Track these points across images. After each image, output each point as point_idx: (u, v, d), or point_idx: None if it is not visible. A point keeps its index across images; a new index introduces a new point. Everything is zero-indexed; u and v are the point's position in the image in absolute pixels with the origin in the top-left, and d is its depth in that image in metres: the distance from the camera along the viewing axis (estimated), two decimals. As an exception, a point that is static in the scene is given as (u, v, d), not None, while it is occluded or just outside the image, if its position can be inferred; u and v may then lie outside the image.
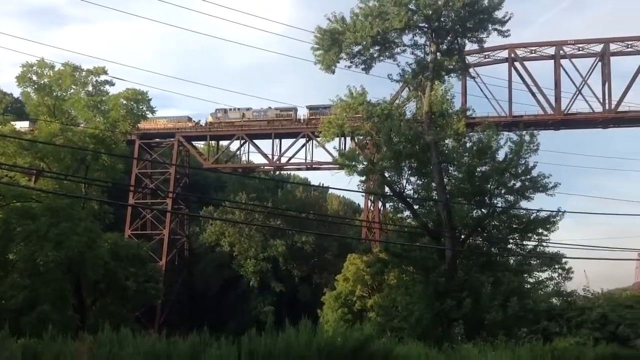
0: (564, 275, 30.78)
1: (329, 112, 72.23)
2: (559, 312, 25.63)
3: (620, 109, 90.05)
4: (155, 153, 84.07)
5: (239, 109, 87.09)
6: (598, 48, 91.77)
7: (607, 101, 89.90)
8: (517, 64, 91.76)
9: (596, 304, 25.60)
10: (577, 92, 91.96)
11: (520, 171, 31.15)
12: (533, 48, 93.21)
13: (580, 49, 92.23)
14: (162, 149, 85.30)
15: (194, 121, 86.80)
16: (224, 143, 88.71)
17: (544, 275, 31.37)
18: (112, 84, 45.71)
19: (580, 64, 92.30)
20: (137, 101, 46.03)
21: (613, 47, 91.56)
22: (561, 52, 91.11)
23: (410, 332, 26.34)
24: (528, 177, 31.15)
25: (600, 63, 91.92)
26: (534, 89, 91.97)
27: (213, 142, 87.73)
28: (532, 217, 31.36)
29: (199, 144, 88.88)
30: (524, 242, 32.41)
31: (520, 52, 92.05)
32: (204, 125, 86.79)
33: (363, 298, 51.79)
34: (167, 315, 75.11)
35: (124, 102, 45.68)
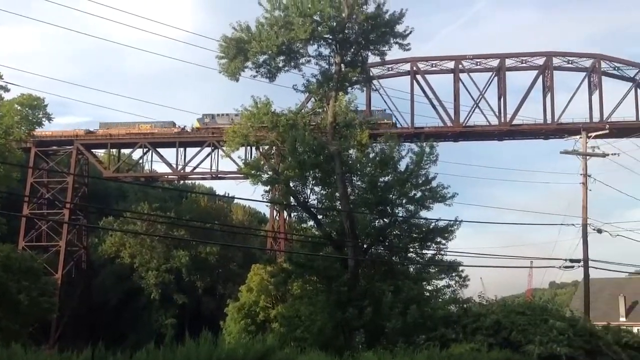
0: (460, 282, 31.80)
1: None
2: (455, 319, 26.30)
3: (515, 122, 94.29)
4: (52, 161, 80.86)
5: (227, 114, 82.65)
6: (495, 63, 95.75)
7: (502, 114, 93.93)
8: (418, 76, 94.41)
9: (490, 310, 26.46)
10: (475, 105, 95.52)
11: (420, 181, 31.91)
12: (434, 62, 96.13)
13: (478, 63, 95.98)
14: (59, 157, 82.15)
15: (179, 127, 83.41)
16: (125, 151, 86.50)
17: (442, 283, 32.28)
18: (7, 90, 43.70)
19: (478, 78, 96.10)
20: (32, 107, 44.21)
21: (509, 62, 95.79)
22: (460, 66, 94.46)
23: (313, 341, 26.37)
24: (428, 187, 31.97)
25: (496, 77, 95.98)
26: (435, 102, 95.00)
27: (114, 151, 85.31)
28: (431, 226, 32.21)
29: (99, 152, 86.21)
30: (424, 251, 33.24)
31: (421, 66, 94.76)
32: (189, 131, 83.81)
33: (267, 309, 51.61)
34: (64, 330, 72.21)
35: (19, 108, 43.76)
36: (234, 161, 68.83)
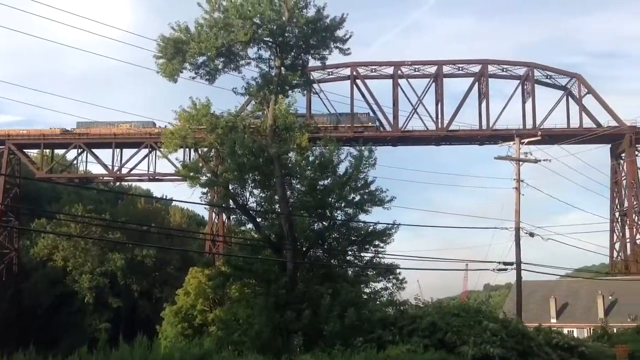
0: (398, 285, 32.22)
1: None
2: (392, 321, 26.59)
3: (452, 127, 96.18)
4: (-19, 161, 78.22)
5: None
6: (432, 69, 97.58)
7: (439, 120, 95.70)
8: (358, 81, 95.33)
9: (427, 312, 26.86)
10: (413, 110, 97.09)
11: (359, 185, 32.18)
12: (373, 67, 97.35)
13: (417, 69, 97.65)
14: (-11, 157, 79.58)
15: (160, 127, 79.56)
16: (60, 152, 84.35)
17: (379, 285, 32.61)
18: None
19: (416, 84, 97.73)
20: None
21: (446, 69, 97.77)
22: (399, 72, 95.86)
23: (251, 345, 26.26)
24: (367, 191, 32.27)
25: (434, 84, 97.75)
26: (374, 107, 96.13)
27: (47, 151, 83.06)
28: (369, 229, 32.51)
29: (32, 153, 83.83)
30: (362, 254, 33.54)
31: (361, 71, 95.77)
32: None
33: (204, 312, 51.09)
34: (-8, 335, 69.78)
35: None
36: (172, 163, 67.87)
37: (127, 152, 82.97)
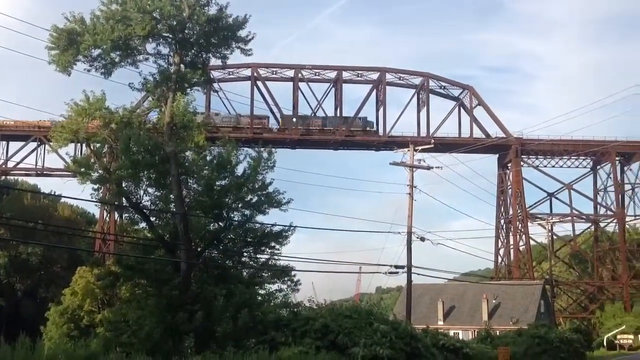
0: (292, 287, 32.39)
1: None
2: (286, 323, 26.73)
3: (349, 132, 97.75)
4: None
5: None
6: (332, 75, 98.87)
7: (339, 124, 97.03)
8: (259, 82, 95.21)
9: (320, 314, 27.18)
10: (313, 114, 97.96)
11: (257, 186, 32.11)
12: (274, 69, 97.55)
13: (317, 74, 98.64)
14: None
15: None
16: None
17: (274, 287, 32.67)
18: None
19: (316, 88, 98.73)
20: None
21: (345, 74, 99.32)
22: (300, 75, 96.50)
23: (140, 347, 25.62)
24: (264, 192, 32.24)
25: (334, 89, 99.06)
26: (275, 109, 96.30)
27: None
28: (266, 231, 32.52)
29: None
30: (258, 255, 33.48)
31: (262, 72, 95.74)
32: None
33: (92, 313, 49.52)
34: None
35: None
36: (61, 158, 65.23)
37: (14, 146, 79.25)
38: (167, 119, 31.28)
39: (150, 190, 32.41)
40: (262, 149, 33.25)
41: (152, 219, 32.67)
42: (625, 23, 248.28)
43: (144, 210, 32.26)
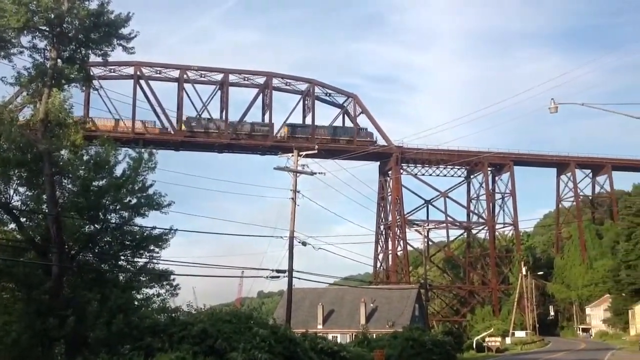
0: (171, 291, 31.77)
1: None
2: (163, 328, 26.21)
3: (234, 136, 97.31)
4: None
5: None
6: (219, 77, 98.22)
7: (224, 128, 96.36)
8: (142, 82, 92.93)
9: (199, 319, 26.86)
10: (198, 115, 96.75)
11: (137, 188, 31.31)
12: (159, 68, 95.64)
13: (203, 75, 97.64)
14: None
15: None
16: None
17: (152, 291, 31.93)
18: None
19: (202, 90, 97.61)
20: None
21: (232, 77, 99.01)
22: (185, 76, 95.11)
23: (7, 353, 24.37)
24: (144, 194, 31.49)
25: (220, 91, 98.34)
26: (158, 109, 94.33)
27: None
28: (145, 234, 31.74)
29: None
30: (136, 259, 32.59)
31: (146, 71, 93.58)
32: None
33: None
34: None
35: None
36: None
37: None
38: (42, 115, 29.86)
39: (21, 189, 30.83)
40: (142, 150, 32.47)
41: (23, 219, 31.09)
42: (500, 39, 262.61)
43: (14, 211, 30.64)
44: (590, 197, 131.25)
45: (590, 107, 28.72)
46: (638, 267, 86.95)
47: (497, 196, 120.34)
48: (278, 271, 39.93)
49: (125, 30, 30.51)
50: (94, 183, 30.58)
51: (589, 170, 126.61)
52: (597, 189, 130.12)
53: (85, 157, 32.06)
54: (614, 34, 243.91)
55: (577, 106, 28.05)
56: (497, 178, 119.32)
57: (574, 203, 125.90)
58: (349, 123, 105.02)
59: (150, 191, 31.57)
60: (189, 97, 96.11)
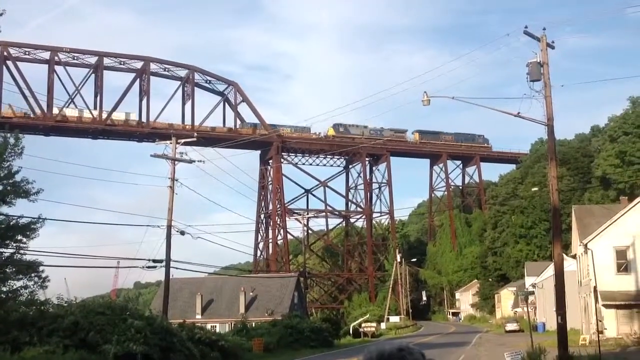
0: (40, 283, 30.28)
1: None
2: (31, 321, 25.03)
3: (110, 122, 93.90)
4: None
5: (357, 125, 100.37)
6: (93, 60, 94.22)
7: (99, 113, 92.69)
8: (9, 63, 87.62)
9: (70, 312, 25.84)
10: (70, 100, 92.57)
11: (2, 175, 29.59)
12: (27, 49, 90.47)
13: (76, 58, 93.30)
14: None
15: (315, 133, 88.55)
16: None
17: (19, 283, 30.30)
18: None
19: (74, 73, 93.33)
20: None
21: (107, 61, 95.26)
22: (56, 58, 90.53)
23: None
24: (10, 181, 29.82)
25: (94, 75, 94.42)
26: (26, 92, 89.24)
27: None
28: (11, 223, 30.07)
29: None
30: (1, 250, 30.82)
31: (13, 52, 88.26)
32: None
33: None
34: None
35: None
36: None
37: None
38: None
39: None
40: (8, 135, 30.69)
41: None
42: (374, 32, 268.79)
43: None
44: (461, 187, 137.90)
45: (460, 101, 29.90)
46: (503, 253, 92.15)
47: (375, 186, 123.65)
48: (155, 261, 38.98)
49: (-11, 7, 28.68)
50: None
51: (460, 162, 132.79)
52: (467, 179, 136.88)
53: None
54: (483, 32, 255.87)
55: (450, 99, 29.12)
56: (374, 168, 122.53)
57: (446, 193, 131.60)
58: (229, 111, 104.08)
59: (18, 178, 29.97)
60: (60, 80, 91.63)
